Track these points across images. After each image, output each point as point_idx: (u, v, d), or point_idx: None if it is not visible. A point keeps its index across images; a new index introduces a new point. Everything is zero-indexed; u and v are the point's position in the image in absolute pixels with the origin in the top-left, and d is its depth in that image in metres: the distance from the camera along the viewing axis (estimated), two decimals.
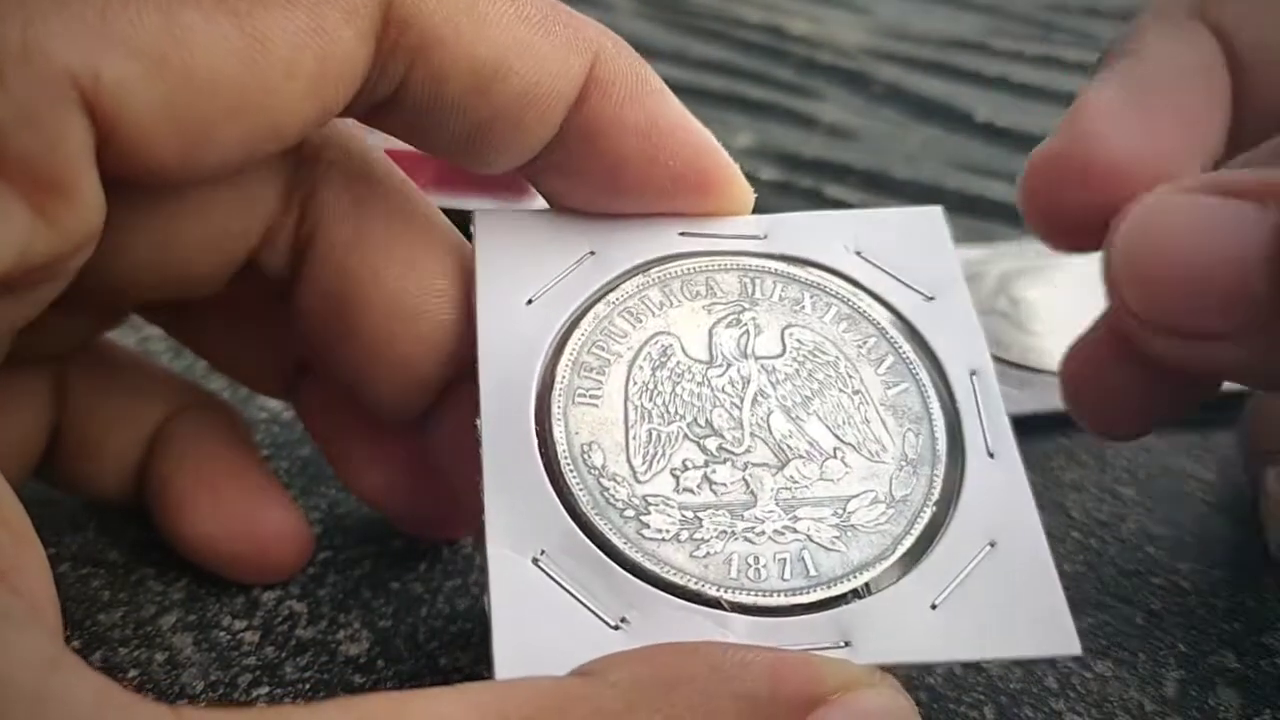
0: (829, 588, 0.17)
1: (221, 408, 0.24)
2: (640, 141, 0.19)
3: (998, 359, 0.30)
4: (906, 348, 0.19)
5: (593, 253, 0.19)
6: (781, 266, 0.20)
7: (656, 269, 0.20)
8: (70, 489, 0.23)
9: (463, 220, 0.20)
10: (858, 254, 0.20)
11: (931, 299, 0.20)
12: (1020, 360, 0.31)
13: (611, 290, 0.19)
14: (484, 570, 0.17)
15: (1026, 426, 0.30)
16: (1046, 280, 0.34)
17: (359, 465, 0.23)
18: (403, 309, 0.19)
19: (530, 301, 0.19)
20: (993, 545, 0.17)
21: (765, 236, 0.20)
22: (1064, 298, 0.33)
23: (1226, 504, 0.27)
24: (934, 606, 0.17)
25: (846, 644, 0.16)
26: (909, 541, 0.17)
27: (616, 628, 0.16)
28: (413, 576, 0.24)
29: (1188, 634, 0.23)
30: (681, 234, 0.20)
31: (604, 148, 0.19)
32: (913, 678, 0.22)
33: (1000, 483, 0.18)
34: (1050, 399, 0.30)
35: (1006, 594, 0.17)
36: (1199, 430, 0.30)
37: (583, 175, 0.19)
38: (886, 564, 0.17)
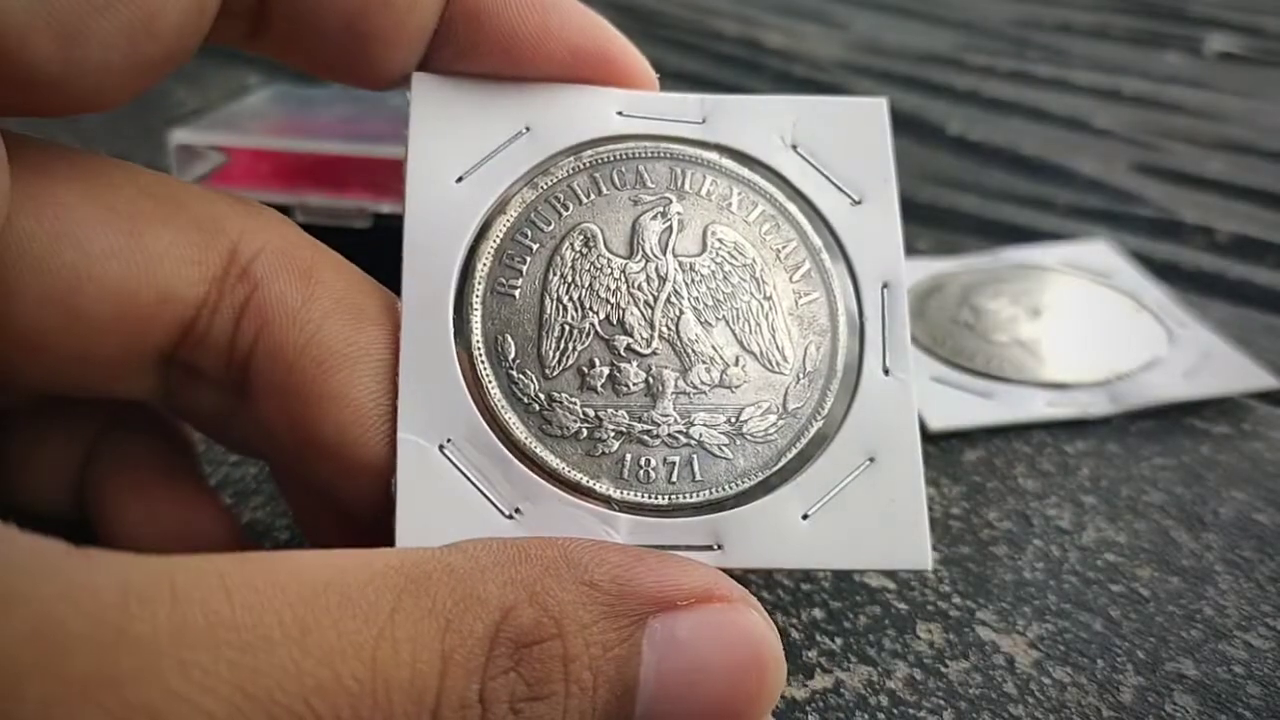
0: (710, 492, 0.18)
1: (161, 419, 0.23)
2: (531, 16, 0.18)
3: (961, 368, 0.31)
4: (825, 255, 0.19)
5: (528, 128, 0.19)
6: (714, 158, 0.20)
7: (589, 152, 0.19)
8: (8, 501, 0.23)
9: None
10: (793, 147, 0.20)
11: (859, 202, 0.20)
12: (983, 369, 0.31)
13: (541, 174, 0.19)
14: (393, 453, 0.17)
15: (989, 434, 0.30)
16: (1008, 291, 0.35)
17: (328, 535, 0.22)
18: (360, 416, 0.18)
19: (460, 179, 0.19)
20: (871, 461, 0.18)
21: (704, 121, 0.20)
22: (1026, 308, 0.34)
23: (1186, 513, 0.28)
24: (805, 517, 0.17)
25: (719, 546, 0.17)
26: (793, 453, 0.18)
27: (510, 517, 0.17)
28: None
29: (1146, 641, 0.23)
30: (619, 113, 0.20)
31: (493, 28, 0.18)
32: (874, 682, 0.22)
33: (890, 401, 0.18)
34: (1012, 408, 0.30)
35: (874, 509, 0.18)
36: (1160, 440, 0.30)
37: (476, 61, 0.19)
38: (769, 473, 0.18)
